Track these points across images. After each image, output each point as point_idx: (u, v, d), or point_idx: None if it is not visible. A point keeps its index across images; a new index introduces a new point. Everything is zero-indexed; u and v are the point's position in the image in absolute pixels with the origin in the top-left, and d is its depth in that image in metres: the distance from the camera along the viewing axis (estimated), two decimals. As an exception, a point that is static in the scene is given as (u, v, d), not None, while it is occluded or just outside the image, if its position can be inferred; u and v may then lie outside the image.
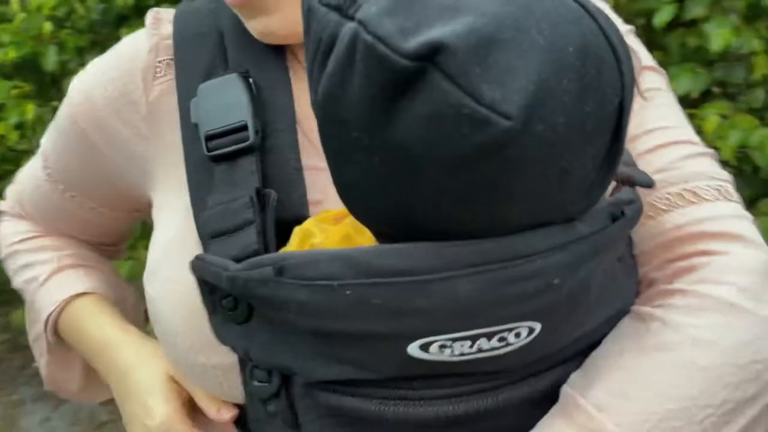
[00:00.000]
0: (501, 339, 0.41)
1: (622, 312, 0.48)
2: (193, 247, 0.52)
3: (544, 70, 0.35)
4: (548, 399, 0.46)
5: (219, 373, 0.52)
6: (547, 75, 0.35)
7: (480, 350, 0.41)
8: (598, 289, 0.44)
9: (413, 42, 0.35)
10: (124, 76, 0.59)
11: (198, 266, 0.47)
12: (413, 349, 0.41)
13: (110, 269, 0.76)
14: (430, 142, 0.36)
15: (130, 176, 0.63)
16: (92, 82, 0.62)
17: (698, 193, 0.51)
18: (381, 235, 0.44)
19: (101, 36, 1.79)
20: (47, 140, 0.69)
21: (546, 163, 0.37)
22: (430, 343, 0.41)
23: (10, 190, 0.77)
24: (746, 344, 0.44)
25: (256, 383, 0.48)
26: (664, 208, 0.51)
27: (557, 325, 0.43)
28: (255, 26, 0.55)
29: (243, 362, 0.50)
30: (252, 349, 0.47)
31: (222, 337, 0.49)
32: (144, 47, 0.59)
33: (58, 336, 0.69)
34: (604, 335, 0.47)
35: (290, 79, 0.57)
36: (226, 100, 0.54)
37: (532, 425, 0.46)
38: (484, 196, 0.38)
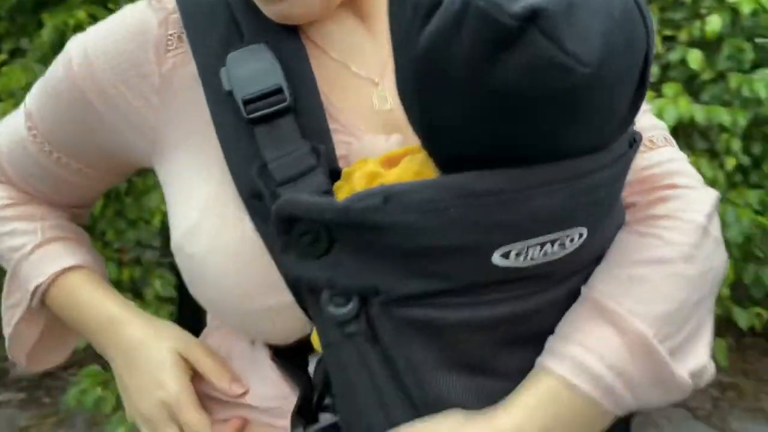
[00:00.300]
0: (561, 244, 0.52)
1: (618, 227, 0.61)
2: (233, 202, 0.59)
3: (608, 28, 0.46)
4: (571, 299, 0.58)
5: (273, 314, 0.59)
6: (609, 32, 0.46)
7: (545, 255, 0.52)
8: (616, 203, 0.58)
9: (518, 6, 0.44)
10: (135, 49, 0.62)
11: (289, 205, 0.53)
12: (496, 257, 0.51)
13: (89, 242, 0.78)
14: (526, 85, 0.46)
15: (131, 143, 0.66)
16: (98, 51, 0.64)
17: (654, 140, 0.67)
18: (452, 168, 0.52)
19: (19, 22, 1.80)
20: (34, 101, 0.70)
21: (605, 102, 0.49)
22: (510, 251, 0.51)
23: None
24: (708, 258, 0.60)
25: (333, 309, 0.53)
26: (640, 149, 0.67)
27: (597, 231, 0.55)
28: (274, 10, 0.60)
29: (316, 295, 0.55)
30: (336, 276, 0.53)
31: (295, 272, 0.55)
32: (152, 21, 0.63)
33: (42, 307, 0.73)
34: (607, 247, 0.60)
35: (306, 51, 0.62)
36: (258, 67, 0.59)
37: (557, 322, 0.57)
38: (562, 127, 0.49)
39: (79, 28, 1.51)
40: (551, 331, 0.57)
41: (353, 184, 0.55)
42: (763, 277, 1.95)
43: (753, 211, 1.84)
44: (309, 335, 0.60)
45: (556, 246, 0.52)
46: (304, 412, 0.61)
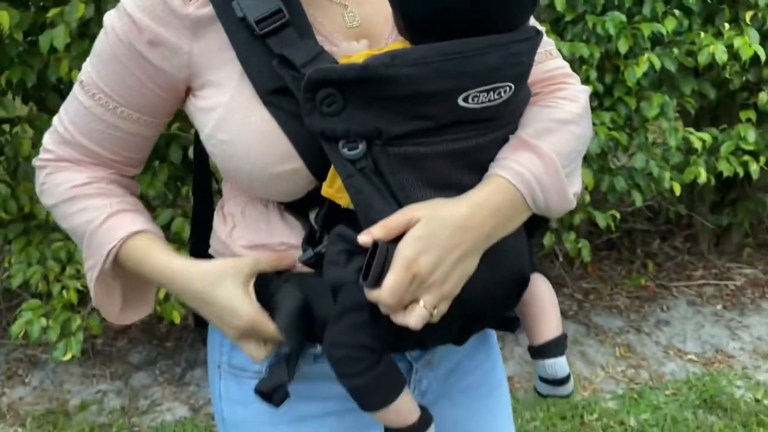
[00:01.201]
0: (498, 93, 0.74)
1: (527, 99, 0.84)
2: (252, 100, 0.78)
3: None
4: (505, 141, 0.81)
5: (288, 176, 0.78)
6: None
7: (490, 100, 0.74)
8: (528, 75, 0.81)
9: None
10: (167, 4, 0.78)
11: (320, 72, 0.72)
12: (460, 101, 0.72)
13: (148, 214, 0.91)
14: None
15: (175, 76, 0.81)
16: (135, 9, 0.79)
17: (552, 53, 0.92)
18: (414, 41, 0.75)
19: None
20: (89, 74, 0.84)
21: None
22: (469, 96, 0.72)
23: (48, 141, 0.90)
24: (586, 125, 0.88)
25: (347, 152, 0.73)
26: (539, 60, 0.89)
27: (519, 90, 0.78)
28: None
29: (334, 144, 0.74)
30: (350, 126, 0.73)
31: (318, 127, 0.74)
32: None
33: (115, 267, 0.86)
34: (522, 109, 0.83)
35: None
36: None
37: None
38: (500, 5, 0.73)
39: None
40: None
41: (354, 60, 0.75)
42: (616, 185, 2.29)
43: (607, 128, 2.16)
44: (311, 192, 0.79)
45: (495, 94, 0.74)
46: (311, 242, 0.82)
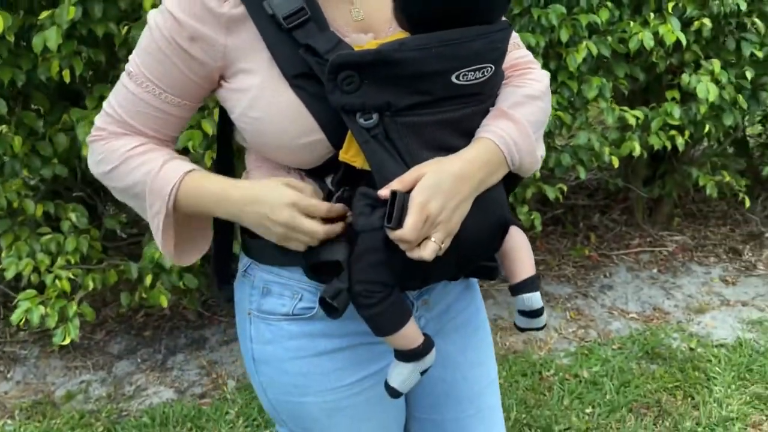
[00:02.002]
0: (481, 72, 0.91)
1: (502, 80, 1.00)
2: (279, 84, 0.91)
3: None
4: (487, 112, 0.97)
5: (311, 146, 0.93)
6: None
7: (475, 78, 0.90)
8: (503, 61, 0.98)
9: None
10: (205, 5, 0.90)
11: (342, 57, 0.86)
12: (453, 78, 0.89)
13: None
14: None
15: (212, 66, 0.93)
16: (177, 9, 0.90)
17: (518, 44, 1.10)
18: (414, 32, 0.90)
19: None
20: (137, 65, 0.96)
21: None
22: (460, 74, 0.89)
23: (100, 121, 1.01)
24: (548, 102, 1.05)
25: (363, 122, 0.88)
26: (509, 50, 1.01)
27: (497, 70, 0.94)
28: None
29: (352, 116, 0.88)
30: (365, 101, 0.88)
31: (339, 102, 0.88)
32: None
33: (176, 205, 0.97)
34: (498, 89, 0.99)
35: None
36: None
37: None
38: (482, 6, 0.89)
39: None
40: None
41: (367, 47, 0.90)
42: (563, 160, 2.51)
43: (553, 109, 2.35)
44: (328, 160, 0.94)
45: (480, 73, 0.90)
46: (328, 199, 0.96)
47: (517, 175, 1.03)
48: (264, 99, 0.92)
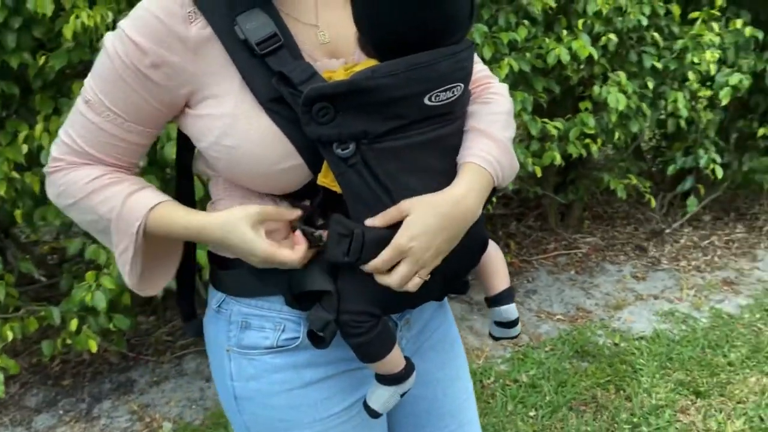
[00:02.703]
0: (452, 92, 0.90)
1: (469, 98, 0.99)
2: (254, 109, 0.88)
3: None
4: (461, 132, 0.97)
5: (290, 171, 0.90)
6: None
7: (447, 98, 0.90)
8: (471, 76, 0.97)
9: None
10: (169, 24, 0.86)
11: (316, 90, 0.84)
12: (426, 100, 0.88)
13: (155, 187, 0.99)
14: None
15: (177, 94, 0.90)
16: (139, 34, 0.86)
17: (475, 59, 1.04)
18: (382, 59, 0.88)
19: None
20: (95, 94, 0.91)
21: (462, 3, 0.88)
22: (432, 95, 0.88)
23: (57, 151, 0.96)
24: (513, 114, 1.06)
25: (340, 152, 0.87)
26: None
27: (465, 89, 0.93)
28: None
29: (328, 147, 0.87)
30: (341, 131, 0.86)
31: (315, 134, 0.86)
32: (174, 5, 0.87)
33: (146, 235, 0.93)
34: (466, 105, 0.98)
35: (277, 11, 0.91)
36: (259, 22, 0.89)
37: (459, 142, 0.96)
38: (443, 23, 0.88)
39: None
40: (457, 149, 0.95)
41: (338, 78, 0.88)
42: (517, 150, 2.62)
43: None
44: (308, 185, 0.92)
45: (449, 92, 0.89)
46: (308, 223, 0.95)
47: (492, 194, 1.04)
48: (238, 126, 0.89)
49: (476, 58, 1.10)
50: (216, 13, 0.88)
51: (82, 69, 1.93)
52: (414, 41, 0.87)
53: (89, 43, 1.78)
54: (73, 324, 2.16)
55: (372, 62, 0.92)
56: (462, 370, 1.26)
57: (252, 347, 1.02)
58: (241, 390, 1.04)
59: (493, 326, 1.15)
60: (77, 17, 1.68)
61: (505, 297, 1.11)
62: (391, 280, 0.90)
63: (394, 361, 0.99)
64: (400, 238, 0.88)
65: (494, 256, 1.11)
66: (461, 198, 0.92)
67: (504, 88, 1.09)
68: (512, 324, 1.12)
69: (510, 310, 1.11)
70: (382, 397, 1.01)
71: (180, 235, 0.95)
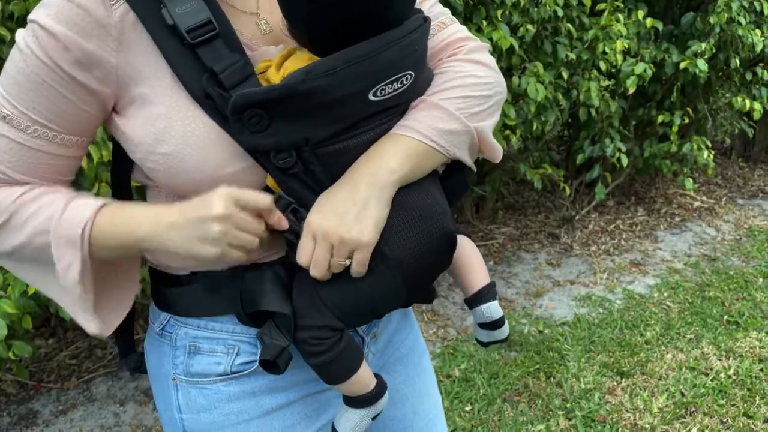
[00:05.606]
0: (401, 83, 0.81)
1: (429, 81, 0.88)
2: (189, 107, 0.77)
3: None
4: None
5: (241, 174, 0.79)
6: None
7: (394, 90, 0.80)
8: (425, 59, 0.87)
9: None
10: (89, 10, 0.74)
11: (244, 97, 0.74)
12: (371, 96, 0.78)
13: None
14: None
15: (105, 92, 0.78)
16: (55, 24, 0.73)
17: (445, 22, 0.95)
18: (325, 51, 0.78)
19: None
20: (11, 107, 0.77)
21: None
22: (377, 90, 0.79)
23: None
24: (486, 72, 0.91)
25: (279, 162, 0.78)
26: (433, 33, 0.92)
27: (419, 76, 0.84)
28: None
29: (266, 156, 0.78)
30: (279, 139, 0.76)
31: (249, 144, 0.77)
32: None
33: (91, 251, 0.79)
34: (422, 92, 0.86)
35: None
36: (191, 7, 0.77)
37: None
38: (382, 11, 0.78)
39: None
40: None
41: (272, 79, 0.79)
42: None
43: None
44: (264, 188, 0.81)
45: (397, 83, 0.80)
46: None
47: (460, 185, 0.93)
48: (174, 130, 0.77)
49: (447, 20, 0.97)
50: None
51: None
52: (355, 30, 0.77)
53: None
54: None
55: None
56: (431, 384, 1.17)
57: (202, 375, 0.90)
58: (192, 424, 0.92)
59: (478, 330, 1.05)
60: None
61: (486, 294, 1.01)
62: (311, 266, 0.81)
63: (363, 380, 0.90)
64: (309, 218, 0.80)
65: (468, 252, 1.02)
66: (365, 161, 0.82)
67: (478, 48, 0.94)
68: (497, 324, 1.02)
69: (493, 308, 1.01)
70: (351, 421, 0.91)
71: (129, 232, 0.79)
